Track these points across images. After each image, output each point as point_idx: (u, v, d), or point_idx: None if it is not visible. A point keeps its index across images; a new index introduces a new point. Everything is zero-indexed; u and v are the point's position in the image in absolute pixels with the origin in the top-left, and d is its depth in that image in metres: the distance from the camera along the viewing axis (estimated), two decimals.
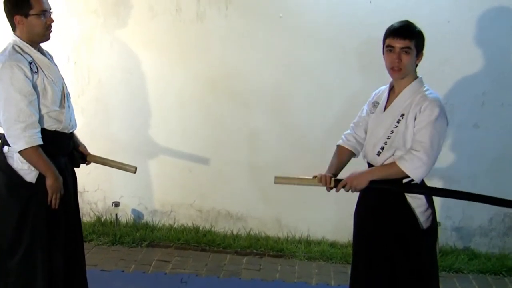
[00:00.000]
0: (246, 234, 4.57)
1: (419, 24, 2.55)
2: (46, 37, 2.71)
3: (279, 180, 2.71)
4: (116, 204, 4.63)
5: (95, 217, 4.76)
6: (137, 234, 4.49)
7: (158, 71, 4.45)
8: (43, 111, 2.67)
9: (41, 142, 2.63)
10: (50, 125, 2.71)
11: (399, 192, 2.56)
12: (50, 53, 2.89)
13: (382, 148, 2.57)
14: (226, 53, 4.34)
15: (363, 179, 2.53)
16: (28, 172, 2.69)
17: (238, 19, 4.27)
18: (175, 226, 4.67)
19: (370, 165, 2.68)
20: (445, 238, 4.31)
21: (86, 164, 3.09)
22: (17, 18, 2.64)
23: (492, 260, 4.16)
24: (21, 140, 2.57)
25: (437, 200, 2.74)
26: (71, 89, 3.02)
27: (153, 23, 4.36)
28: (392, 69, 2.51)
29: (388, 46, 2.50)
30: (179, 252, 4.29)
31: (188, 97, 4.45)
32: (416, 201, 2.56)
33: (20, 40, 2.66)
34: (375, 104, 2.71)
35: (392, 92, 2.64)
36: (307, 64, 4.26)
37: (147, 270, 3.97)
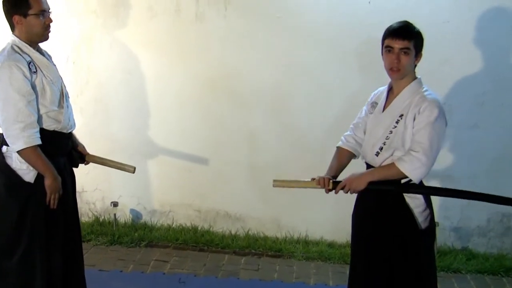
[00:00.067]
0: (245, 234, 4.57)
1: (419, 24, 2.55)
2: (45, 37, 2.72)
3: (277, 183, 2.71)
4: (115, 204, 4.63)
5: (93, 217, 4.75)
6: (136, 234, 4.49)
7: (157, 72, 4.45)
8: (42, 111, 2.67)
9: (39, 142, 2.62)
10: (48, 125, 2.71)
11: (397, 192, 2.57)
12: (49, 53, 2.89)
13: (381, 149, 2.57)
14: (225, 53, 4.34)
15: (362, 180, 2.53)
16: (26, 172, 2.69)
17: (237, 20, 4.27)
18: (173, 226, 4.66)
19: (368, 165, 2.68)
20: (443, 238, 4.32)
21: (85, 164, 3.09)
22: (16, 18, 2.64)
23: (490, 260, 4.16)
24: (20, 140, 2.57)
25: (435, 200, 2.75)
26: (70, 89, 3.02)
27: (152, 24, 4.36)
28: (391, 70, 2.51)
29: (387, 46, 2.50)
30: (177, 252, 4.29)
31: (187, 97, 4.45)
32: (415, 201, 2.56)
33: (19, 40, 2.66)
34: (373, 105, 2.71)
35: (391, 92, 2.64)
36: (307, 64, 4.26)
37: (145, 270, 3.97)
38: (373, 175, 2.54)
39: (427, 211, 2.59)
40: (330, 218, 4.39)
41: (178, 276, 3.87)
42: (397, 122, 2.53)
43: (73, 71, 4.49)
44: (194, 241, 4.43)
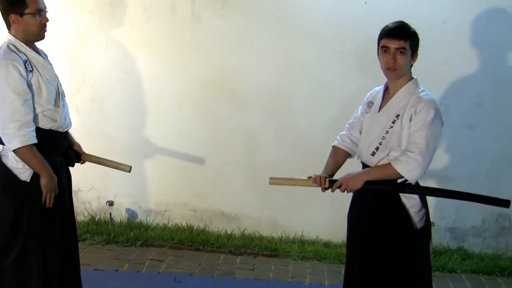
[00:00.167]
0: (240, 233, 4.57)
1: (419, 25, 2.56)
2: (41, 36, 2.71)
3: (273, 181, 2.72)
4: (110, 203, 4.63)
5: (89, 216, 4.75)
6: (131, 233, 4.49)
7: (153, 71, 4.44)
8: (38, 110, 2.67)
9: (35, 141, 2.62)
10: (44, 124, 2.71)
11: (393, 192, 2.57)
12: (45, 52, 2.88)
13: (377, 148, 2.58)
14: (222, 53, 4.33)
15: (359, 180, 2.54)
16: (22, 171, 2.68)
17: (234, 19, 4.27)
18: (169, 225, 4.66)
19: (364, 165, 2.69)
20: (439, 238, 4.33)
21: (81, 163, 3.09)
22: (12, 17, 2.63)
23: (485, 260, 4.18)
24: (16, 139, 2.57)
25: (430, 200, 2.75)
26: (66, 88, 3.02)
27: (148, 23, 4.36)
28: (387, 70, 2.52)
29: (383, 46, 2.51)
30: (173, 251, 4.29)
31: (184, 97, 4.45)
32: (410, 201, 2.57)
33: (15, 39, 2.66)
34: (369, 104, 2.72)
35: (387, 92, 2.64)
36: (307, 64, 4.26)
37: (141, 270, 3.97)
38: (369, 175, 2.55)
39: (423, 211, 2.60)
40: (326, 218, 4.40)
41: (173, 276, 3.87)
42: (393, 122, 2.54)
43: (69, 70, 4.48)
44: (190, 241, 4.43)
